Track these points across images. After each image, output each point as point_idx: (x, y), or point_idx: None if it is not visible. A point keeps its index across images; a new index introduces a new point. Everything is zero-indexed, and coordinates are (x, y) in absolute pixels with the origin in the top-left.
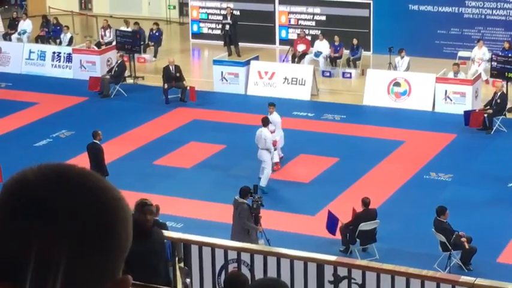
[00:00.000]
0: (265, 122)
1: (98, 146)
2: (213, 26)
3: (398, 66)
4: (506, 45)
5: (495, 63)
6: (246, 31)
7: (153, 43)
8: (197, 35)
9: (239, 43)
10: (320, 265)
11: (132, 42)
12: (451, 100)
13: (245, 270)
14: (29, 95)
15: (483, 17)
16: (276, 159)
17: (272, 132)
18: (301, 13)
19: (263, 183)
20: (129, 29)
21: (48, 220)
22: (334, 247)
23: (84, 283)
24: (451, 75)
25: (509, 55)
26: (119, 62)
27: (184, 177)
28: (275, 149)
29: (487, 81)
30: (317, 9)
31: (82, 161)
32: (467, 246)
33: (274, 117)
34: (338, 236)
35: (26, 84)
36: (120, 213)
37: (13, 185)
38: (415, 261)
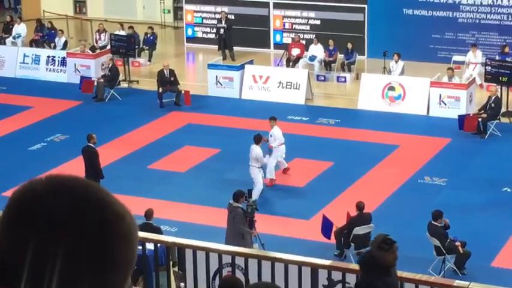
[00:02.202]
0: (257, 140)
1: (92, 149)
2: (208, 30)
3: (392, 71)
4: (507, 49)
5: (489, 68)
6: (241, 35)
7: (147, 47)
8: (192, 39)
9: (234, 47)
10: (314, 269)
11: (126, 46)
12: (446, 104)
13: (239, 275)
14: (23, 99)
15: (477, 21)
16: (272, 175)
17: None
18: (295, 17)
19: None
20: (124, 33)
21: (47, 229)
22: (329, 251)
23: None
24: (445, 79)
25: (506, 59)
26: (110, 66)
27: (178, 181)
28: (277, 166)
29: (481, 86)
30: (311, 14)
31: (77, 164)
32: (461, 251)
33: (275, 131)
34: (333, 240)
35: (21, 88)
36: (121, 229)
37: (20, 195)
38: (409, 265)
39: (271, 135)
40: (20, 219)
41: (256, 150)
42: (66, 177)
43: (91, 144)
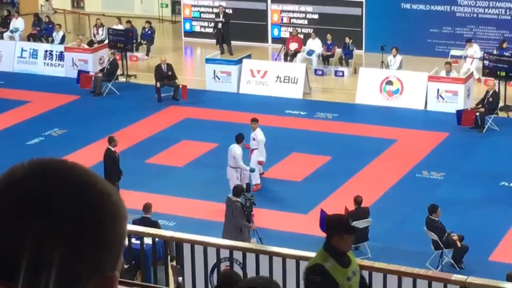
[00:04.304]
0: (238, 139)
1: (113, 155)
2: (206, 24)
3: (390, 65)
4: (505, 44)
5: (487, 62)
6: (239, 29)
7: (145, 41)
8: (189, 34)
9: (231, 41)
10: None
11: (124, 40)
12: (443, 99)
13: (237, 269)
14: (21, 93)
15: (475, 15)
16: (257, 180)
17: (255, 148)
18: (293, 11)
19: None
20: (122, 27)
21: (38, 215)
22: None
23: (76, 277)
24: (443, 73)
25: (504, 53)
26: (111, 59)
27: (176, 175)
28: (252, 170)
29: (479, 80)
30: (309, 8)
31: (75, 159)
32: (459, 245)
33: (258, 133)
34: None
35: (18, 83)
36: (109, 207)
37: (3, 182)
38: (407, 260)
39: (253, 139)
40: (6, 207)
41: (236, 149)
42: (49, 160)
43: (112, 148)
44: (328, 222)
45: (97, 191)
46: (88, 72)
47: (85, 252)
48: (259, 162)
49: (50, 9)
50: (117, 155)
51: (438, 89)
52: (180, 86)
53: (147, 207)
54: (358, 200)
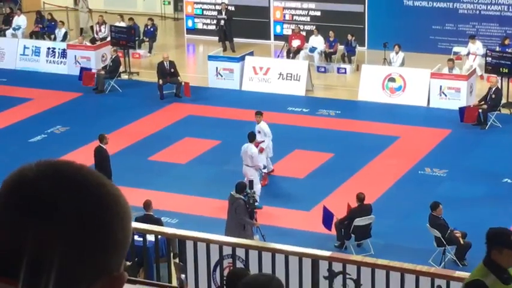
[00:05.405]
0: (251, 137)
1: (104, 153)
2: (208, 21)
3: (393, 62)
4: (507, 41)
5: (490, 59)
6: (241, 27)
7: (147, 39)
8: (192, 31)
9: (234, 39)
10: (315, 260)
11: (127, 37)
12: (446, 95)
13: (240, 266)
14: (23, 90)
15: (478, 12)
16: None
17: (260, 142)
18: (296, 8)
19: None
20: (124, 25)
21: (43, 216)
22: (329, 242)
23: (78, 278)
24: (445, 70)
25: (507, 50)
26: (113, 57)
27: (179, 172)
28: (264, 168)
29: (481, 77)
30: (312, 5)
31: (77, 156)
32: (461, 242)
33: (263, 126)
34: (333, 231)
35: (21, 80)
36: (116, 209)
37: (11, 181)
38: (410, 257)
39: (259, 132)
40: (13, 207)
41: (252, 148)
42: (57, 162)
43: (103, 145)
44: (488, 235)
45: (104, 193)
46: (90, 69)
47: (89, 253)
48: (260, 149)
49: (83, 7)
50: (109, 156)
51: (441, 86)
52: (183, 83)
53: (147, 204)
54: (360, 197)
